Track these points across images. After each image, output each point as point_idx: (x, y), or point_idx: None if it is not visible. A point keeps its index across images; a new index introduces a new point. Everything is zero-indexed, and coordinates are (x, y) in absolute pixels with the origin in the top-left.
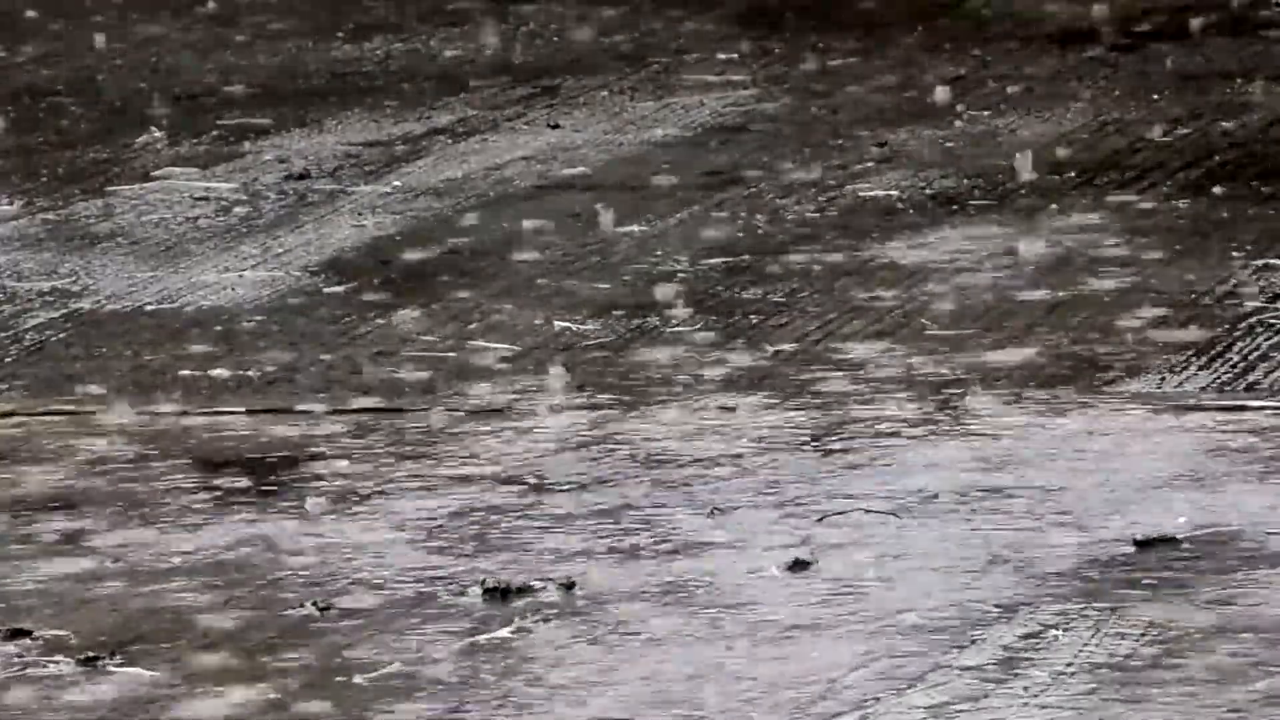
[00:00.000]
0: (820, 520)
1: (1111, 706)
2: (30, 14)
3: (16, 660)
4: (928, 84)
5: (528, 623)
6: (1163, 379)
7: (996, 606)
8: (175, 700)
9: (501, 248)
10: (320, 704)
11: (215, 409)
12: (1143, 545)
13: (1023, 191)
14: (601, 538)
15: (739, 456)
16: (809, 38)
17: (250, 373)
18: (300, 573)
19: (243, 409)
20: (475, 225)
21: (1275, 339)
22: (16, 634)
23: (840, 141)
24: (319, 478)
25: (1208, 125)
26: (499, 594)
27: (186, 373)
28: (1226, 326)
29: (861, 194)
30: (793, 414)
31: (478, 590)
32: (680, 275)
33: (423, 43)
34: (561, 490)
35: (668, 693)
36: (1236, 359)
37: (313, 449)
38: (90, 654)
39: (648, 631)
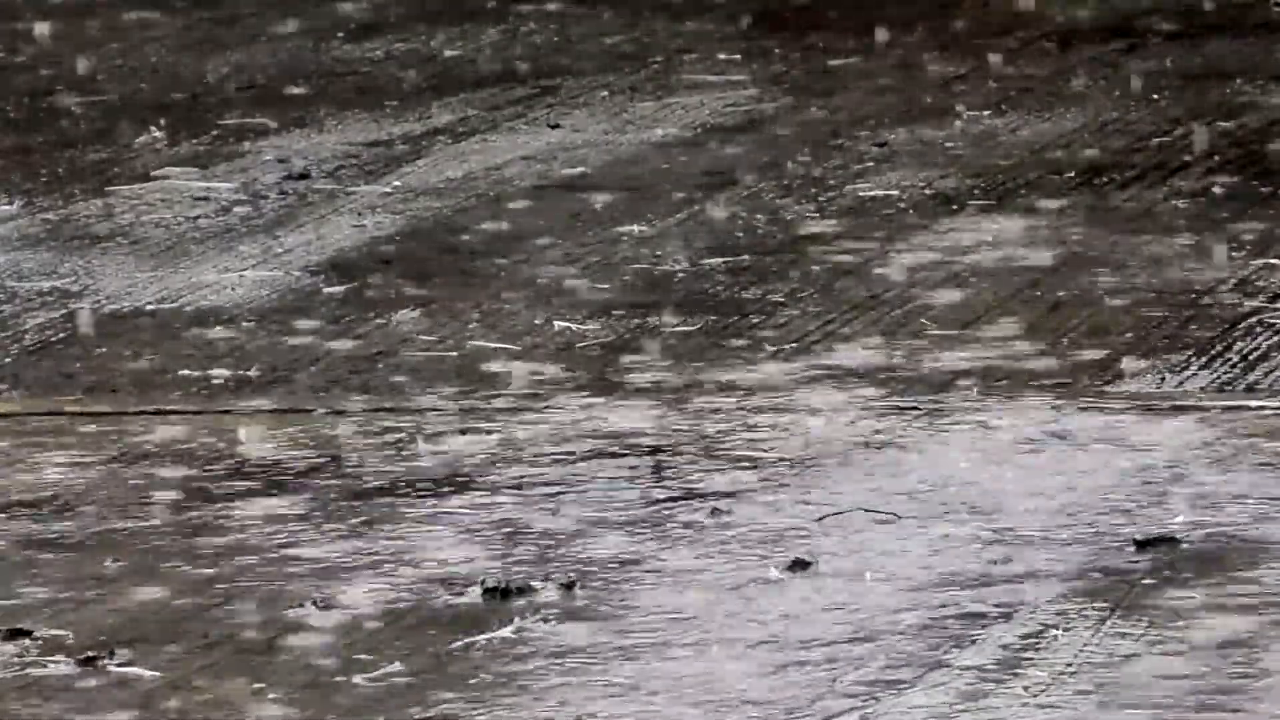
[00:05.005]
0: (820, 520)
1: (1112, 706)
2: (30, 14)
3: (16, 660)
4: (928, 84)
5: (528, 623)
6: (1163, 379)
7: (996, 606)
8: (174, 700)
9: (501, 248)
10: (321, 704)
11: (214, 408)
12: (1143, 545)
13: (1022, 192)
14: (601, 538)
15: (738, 456)
16: (809, 38)
17: (250, 373)
18: (300, 572)
19: (241, 408)
20: (475, 225)
21: (1275, 339)
22: (16, 634)
23: (840, 141)
24: (319, 477)
25: (1208, 125)
26: (499, 594)
27: (186, 372)
28: (1226, 326)
29: (861, 194)
30: (792, 413)
31: (478, 590)
32: (680, 275)
33: (423, 43)
34: (559, 489)
35: (667, 692)
36: (1236, 359)
37: (313, 449)
38: (90, 654)
39: (647, 631)
